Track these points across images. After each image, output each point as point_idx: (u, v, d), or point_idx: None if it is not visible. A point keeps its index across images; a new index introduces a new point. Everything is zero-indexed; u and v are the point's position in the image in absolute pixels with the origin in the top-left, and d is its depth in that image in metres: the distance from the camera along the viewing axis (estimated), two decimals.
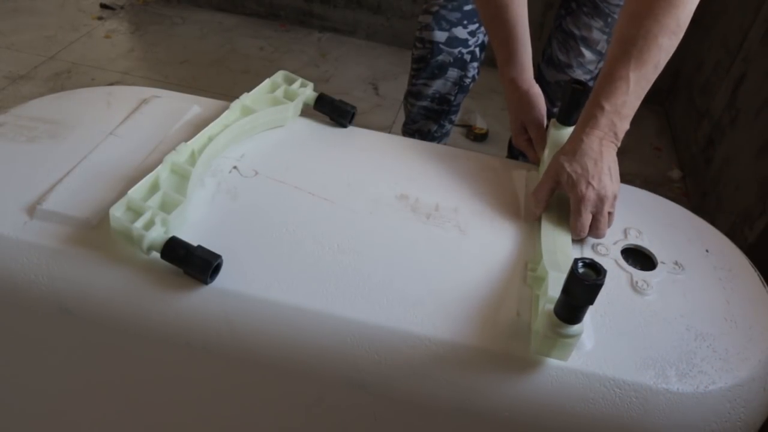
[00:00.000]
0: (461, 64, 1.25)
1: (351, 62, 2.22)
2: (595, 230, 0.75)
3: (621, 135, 0.78)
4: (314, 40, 2.33)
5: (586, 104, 0.80)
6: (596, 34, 1.25)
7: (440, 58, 1.23)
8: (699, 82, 1.92)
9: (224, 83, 2.02)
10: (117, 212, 0.65)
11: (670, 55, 0.76)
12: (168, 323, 0.64)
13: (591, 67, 1.29)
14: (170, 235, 0.65)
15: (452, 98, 1.32)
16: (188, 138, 0.76)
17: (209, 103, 0.90)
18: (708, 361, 0.64)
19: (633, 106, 0.77)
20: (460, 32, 1.20)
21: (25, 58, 2.03)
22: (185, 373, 0.69)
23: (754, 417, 0.65)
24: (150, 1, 2.46)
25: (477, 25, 1.21)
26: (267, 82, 0.89)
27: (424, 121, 1.37)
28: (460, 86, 1.30)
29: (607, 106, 0.76)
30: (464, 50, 1.23)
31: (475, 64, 1.30)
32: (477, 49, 1.27)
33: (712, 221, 0.86)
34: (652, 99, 2.15)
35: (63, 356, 0.71)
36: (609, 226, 0.77)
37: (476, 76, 1.33)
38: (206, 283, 0.64)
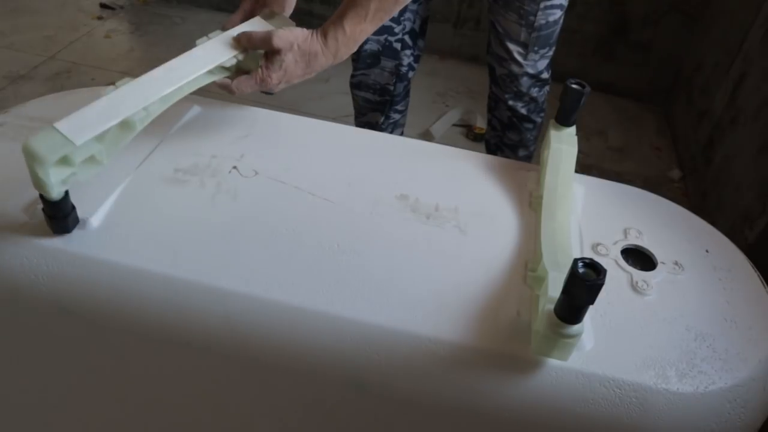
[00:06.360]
0: (392, 53, 1.32)
1: (351, 62, 2.21)
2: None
3: (340, 55, 0.86)
4: None
5: (331, 16, 0.85)
6: (515, 27, 1.28)
7: (367, 47, 1.31)
8: (699, 82, 1.92)
9: None
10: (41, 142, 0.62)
11: None
12: (168, 323, 0.64)
13: (521, 58, 1.32)
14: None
15: (392, 88, 1.39)
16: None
17: (209, 103, 0.90)
18: (708, 362, 0.64)
19: (367, 32, 0.85)
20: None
21: (25, 58, 2.03)
22: (186, 374, 0.69)
23: (753, 417, 0.65)
24: (150, 1, 2.46)
25: (400, 13, 1.24)
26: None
27: (372, 113, 1.45)
28: (398, 75, 1.37)
29: (348, 29, 0.84)
30: (391, 38, 1.29)
31: (408, 52, 1.36)
32: (406, 37, 1.33)
33: (712, 221, 0.86)
34: (652, 99, 2.16)
35: (63, 356, 0.72)
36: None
37: (414, 65, 1.40)
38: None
